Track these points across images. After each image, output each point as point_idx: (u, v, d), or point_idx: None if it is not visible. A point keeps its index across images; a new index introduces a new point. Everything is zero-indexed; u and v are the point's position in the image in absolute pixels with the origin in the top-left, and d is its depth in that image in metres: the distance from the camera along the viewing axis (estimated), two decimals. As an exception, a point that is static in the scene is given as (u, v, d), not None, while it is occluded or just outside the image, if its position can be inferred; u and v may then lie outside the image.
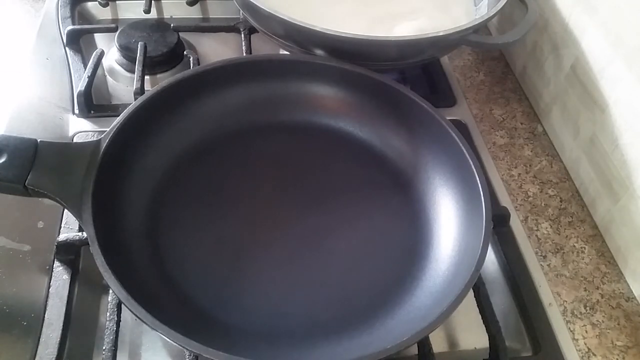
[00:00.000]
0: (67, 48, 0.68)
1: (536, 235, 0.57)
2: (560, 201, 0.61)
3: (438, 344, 0.47)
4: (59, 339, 0.44)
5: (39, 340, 0.44)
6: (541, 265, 0.54)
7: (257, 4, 0.55)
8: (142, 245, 0.47)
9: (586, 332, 0.50)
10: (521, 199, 0.60)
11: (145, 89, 0.60)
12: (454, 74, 0.72)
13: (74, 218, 0.50)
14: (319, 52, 0.56)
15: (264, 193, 0.53)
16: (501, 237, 0.54)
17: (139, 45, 0.65)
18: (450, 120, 0.52)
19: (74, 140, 0.59)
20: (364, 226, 0.51)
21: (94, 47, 0.70)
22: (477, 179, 0.48)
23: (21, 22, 0.75)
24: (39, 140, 0.45)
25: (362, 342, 0.43)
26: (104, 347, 0.43)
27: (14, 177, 0.43)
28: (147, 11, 0.72)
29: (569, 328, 0.50)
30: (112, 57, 0.68)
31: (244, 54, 0.67)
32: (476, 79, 0.73)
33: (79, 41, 0.69)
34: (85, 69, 0.63)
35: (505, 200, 0.58)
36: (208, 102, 0.56)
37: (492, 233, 0.49)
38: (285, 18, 0.53)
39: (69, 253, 0.49)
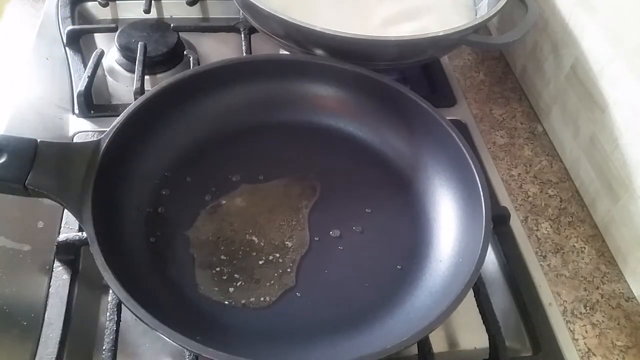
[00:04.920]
0: (67, 48, 0.68)
1: (536, 235, 0.57)
2: (560, 201, 0.61)
3: (438, 343, 0.47)
4: (59, 339, 0.44)
5: (39, 340, 0.44)
6: (541, 265, 0.54)
7: (257, 4, 0.55)
8: (142, 245, 0.47)
9: (586, 332, 0.50)
10: (521, 199, 0.60)
11: (145, 89, 0.60)
12: (454, 73, 0.72)
13: (74, 218, 0.50)
14: (319, 52, 0.56)
15: (263, 193, 0.53)
16: (501, 237, 0.54)
17: (139, 45, 0.65)
18: (450, 120, 0.52)
19: (74, 140, 0.59)
20: (363, 226, 0.51)
21: (94, 47, 0.70)
22: (477, 179, 0.48)
23: (21, 22, 0.75)
24: (38, 140, 0.45)
25: (362, 342, 0.43)
26: (104, 347, 0.43)
27: (13, 177, 0.43)
28: (147, 11, 0.72)
29: (569, 328, 0.50)
30: (112, 57, 0.68)
31: (244, 54, 0.67)
32: (476, 79, 0.73)
33: (79, 41, 0.69)
34: (85, 69, 0.63)
35: (505, 200, 0.58)
36: (208, 102, 0.56)
37: (492, 233, 0.49)
38: (285, 18, 0.53)
39: (69, 253, 0.49)
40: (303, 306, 0.46)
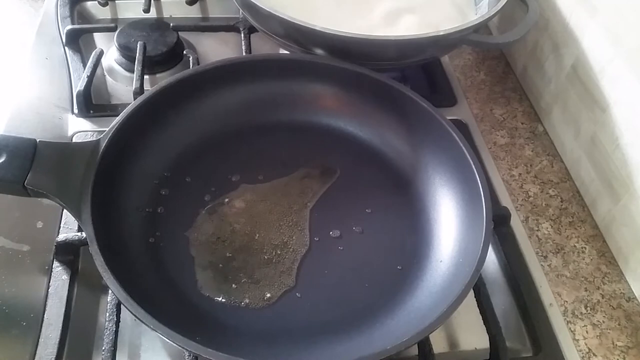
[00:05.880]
0: (66, 47, 0.68)
1: (537, 236, 0.57)
2: (561, 201, 0.60)
3: (438, 344, 0.47)
4: (58, 339, 0.44)
5: (38, 340, 0.44)
6: (542, 265, 0.54)
7: (256, 3, 0.54)
8: (141, 246, 0.47)
9: (587, 332, 0.50)
10: (522, 199, 0.60)
11: (145, 88, 0.60)
12: (455, 73, 0.72)
13: (73, 218, 0.49)
14: (319, 51, 0.56)
15: (263, 193, 0.53)
16: (502, 237, 0.54)
17: (138, 45, 0.64)
18: (450, 120, 0.52)
19: (73, 140, 0.59)
20: (363, 226, 0.51)
21: (93, 46, 0.70)
22: (478, 179, 0.48)
23: (20, 21, 0.75)
24: (38, 140, 0.45)
25: (362, 342, 0.43)
26: (103, 347, 0.42)
27: (13, 177, 0.43)
28: (147, 10, 0.72)
29: (570, 328, 0.50)
30: (111, 57, 0.68)
31: (244, 54, 0.67)
32: (477, 79, 0.73)
33: (78, 41, 0.69)
34: (84, 68, 0.63)
35: (505, 200, 0.58)
36: (208, 101, 0.56)
37: (492, 233, 0.49)
38: (285, 17, 0.53)
39: (68, 253, 0.49)
40: (303, 306, 0.46)
